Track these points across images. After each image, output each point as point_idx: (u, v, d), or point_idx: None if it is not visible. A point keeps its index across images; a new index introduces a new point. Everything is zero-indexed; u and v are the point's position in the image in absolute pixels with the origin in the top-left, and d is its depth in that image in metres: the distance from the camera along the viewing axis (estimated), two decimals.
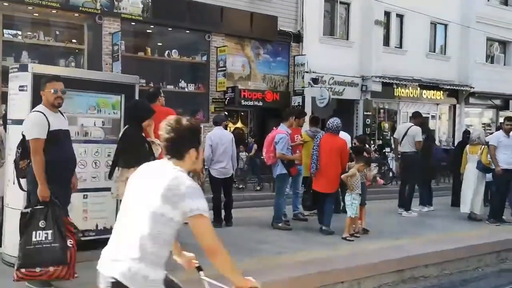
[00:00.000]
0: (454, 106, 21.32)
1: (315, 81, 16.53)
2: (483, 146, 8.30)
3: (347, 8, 17.81)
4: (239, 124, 16.58)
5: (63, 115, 4.16)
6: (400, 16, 19.07)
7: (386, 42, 18.90)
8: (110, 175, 4.67)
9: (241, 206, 9.35)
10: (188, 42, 14.54)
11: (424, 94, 19.96)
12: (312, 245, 6.31)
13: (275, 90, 16.03)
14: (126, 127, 4.78)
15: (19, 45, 11.35)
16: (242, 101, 14.88)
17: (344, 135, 8.40)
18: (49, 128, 3.88)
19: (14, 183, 4.22)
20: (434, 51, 20.56)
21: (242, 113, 16.73)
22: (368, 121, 18.49)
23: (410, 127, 8.68)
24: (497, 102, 22.10)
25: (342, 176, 6.86)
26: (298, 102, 16.12)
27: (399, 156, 8.97)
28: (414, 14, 18.26)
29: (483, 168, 8.22)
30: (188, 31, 14.38)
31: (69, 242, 3.78)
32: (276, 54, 16.22)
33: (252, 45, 15.52)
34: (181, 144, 2.34)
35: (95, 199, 4.90)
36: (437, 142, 20.36)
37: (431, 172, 9.40)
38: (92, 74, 5.23)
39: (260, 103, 15.32)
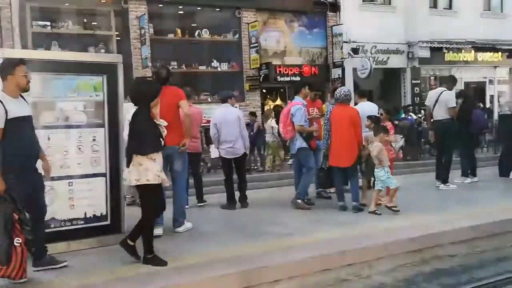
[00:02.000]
0: None
1: (355, 51, 15.69)
2: None
3: None
4: (278, 101, 16.13)
5: (25, 100, 4.00)
6: None
7: (434, 3, 17.63)
8: (128, 164, 4.42)
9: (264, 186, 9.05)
10: (218, 21, 14.22)
11: (480, 57, 18.45)
12: (326, 225, 5.88)
13: (313, 63, 15.42)
14: (134, 111, 4.57)
15: (49, 35, 11.54)
16: (278, 77, 14.41)
17: (370, 106, 7.89)
18: (7, 117, 3.72)
19: None
20: (489, 10, 18.88)
21: (282, 90, 16.26)
22: (417, 90, 17.43)
23: (442, 92, 7.92)
24: None
25: (374, 155, 6.36)
26: (338, 74, 15.46)
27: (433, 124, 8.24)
28: None
29: None
30: (217, 9, 14.09)
31: (16, 241, 3.57)
32: (312, 26, 15.55)
33: (285, 18, 14.96)
34: None
35: (82, 186, 4.76)
36: (496, 108, 18.98)
37: (472, 140, 8.55)
38: (68, 55, 5.07)
39: (298, 78, 14.72)
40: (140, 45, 12.34)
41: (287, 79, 14.55)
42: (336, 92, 6.81)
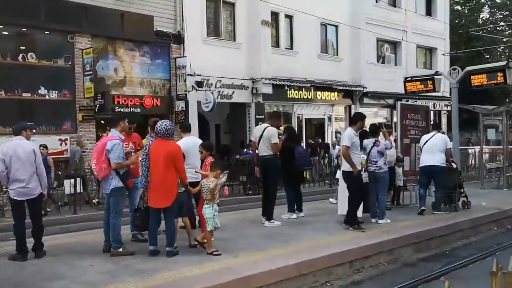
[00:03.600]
0: (350, 106, 21.29)
1: (199, 84, 15.56)
2: None
3: (232, 8, 17.04)
4: None
5: None
6: (289, 17, 18.68)
7: (276, 43, 18.43)
8: None
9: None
10: (48, 44, 12.93)
11: (319, 95, 19.72)
12: (125, 276, 5.20)
13: (155, 95, 14.86)
14: None
15: None
16: (116, 108, 13.52)
17: (192, 141, 7.54)
18: None
19: None
20: (326, 52, 20.41)
21: None
22: (260, 124, 17.81)
23: (266, 128, 7.91)
24: (390, 101, 22.39)
25: (212, 191, 6.04)
26: (182, 107, 15.09)
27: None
28: (303, 15, 17.86)
29: None
30: (47, 32, 12.82)
31: None
32: (155, 57, 15.04)
33: (125, 47, 14.21)
34: None
35: None
36: (334, 144, 20.31)
37: (297, 176, 8.66)
38: None
39: (138, 110, 14.08)
40: None
41: (127, 110, 13.73)
42: (156, 126, 6.29)
